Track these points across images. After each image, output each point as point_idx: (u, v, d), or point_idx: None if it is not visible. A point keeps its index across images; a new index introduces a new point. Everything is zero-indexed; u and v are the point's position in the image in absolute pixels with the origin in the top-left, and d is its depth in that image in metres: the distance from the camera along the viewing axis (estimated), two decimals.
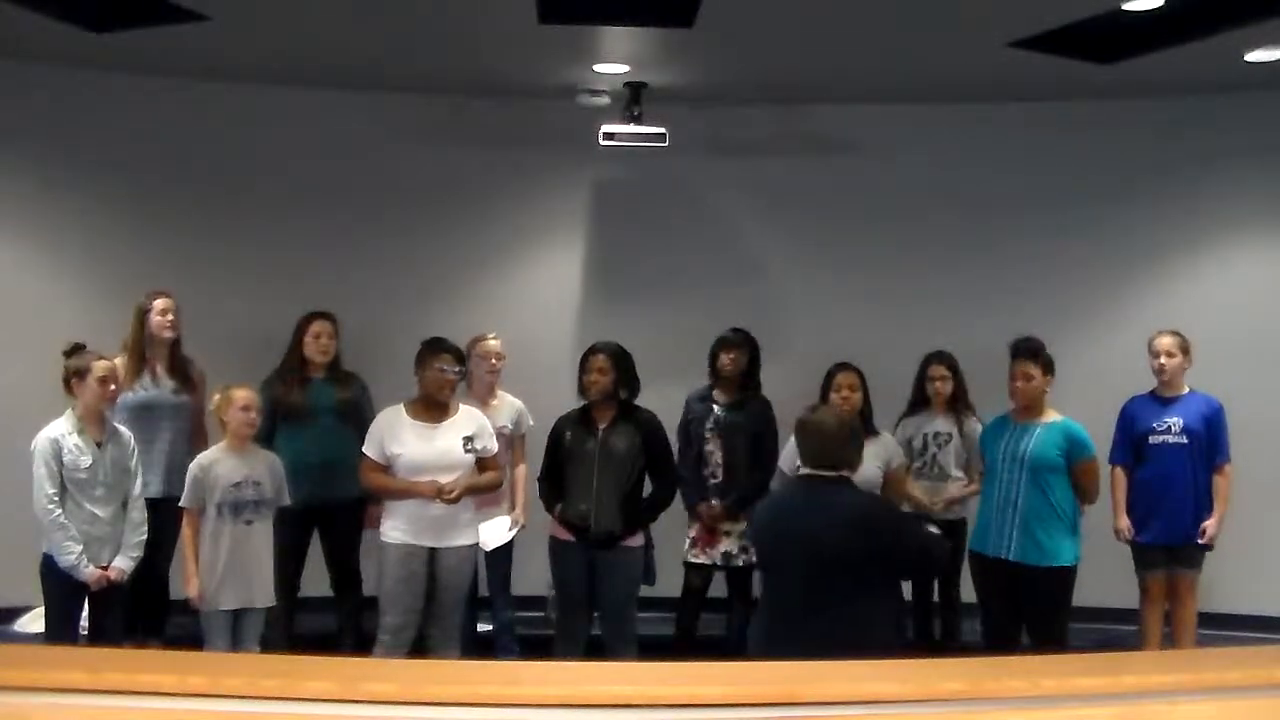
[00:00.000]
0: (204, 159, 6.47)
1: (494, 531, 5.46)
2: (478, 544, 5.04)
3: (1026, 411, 4.99)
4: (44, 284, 6.30)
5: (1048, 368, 4.97)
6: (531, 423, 5.65)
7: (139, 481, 4.77)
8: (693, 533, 5.55)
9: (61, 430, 4.55)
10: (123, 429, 4.78)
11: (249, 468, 4.77)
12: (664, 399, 5.65)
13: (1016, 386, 4.97)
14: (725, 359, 5.60)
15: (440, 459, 4.84)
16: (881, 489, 5.09)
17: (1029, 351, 4.96)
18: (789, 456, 5.24)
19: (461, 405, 5.05)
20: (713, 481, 5.53)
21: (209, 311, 5.89)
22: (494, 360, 5.62)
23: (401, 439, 4.88)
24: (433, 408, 4.93)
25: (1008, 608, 4.96)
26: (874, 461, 5.04)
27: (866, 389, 5.30)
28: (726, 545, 5.53)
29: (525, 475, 5.59)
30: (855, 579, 3.66)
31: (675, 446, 5.44)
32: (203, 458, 4.80)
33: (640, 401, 5.13)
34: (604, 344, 5.05)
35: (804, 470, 3.83)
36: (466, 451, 4.88)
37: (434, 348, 4.93)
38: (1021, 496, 4.88)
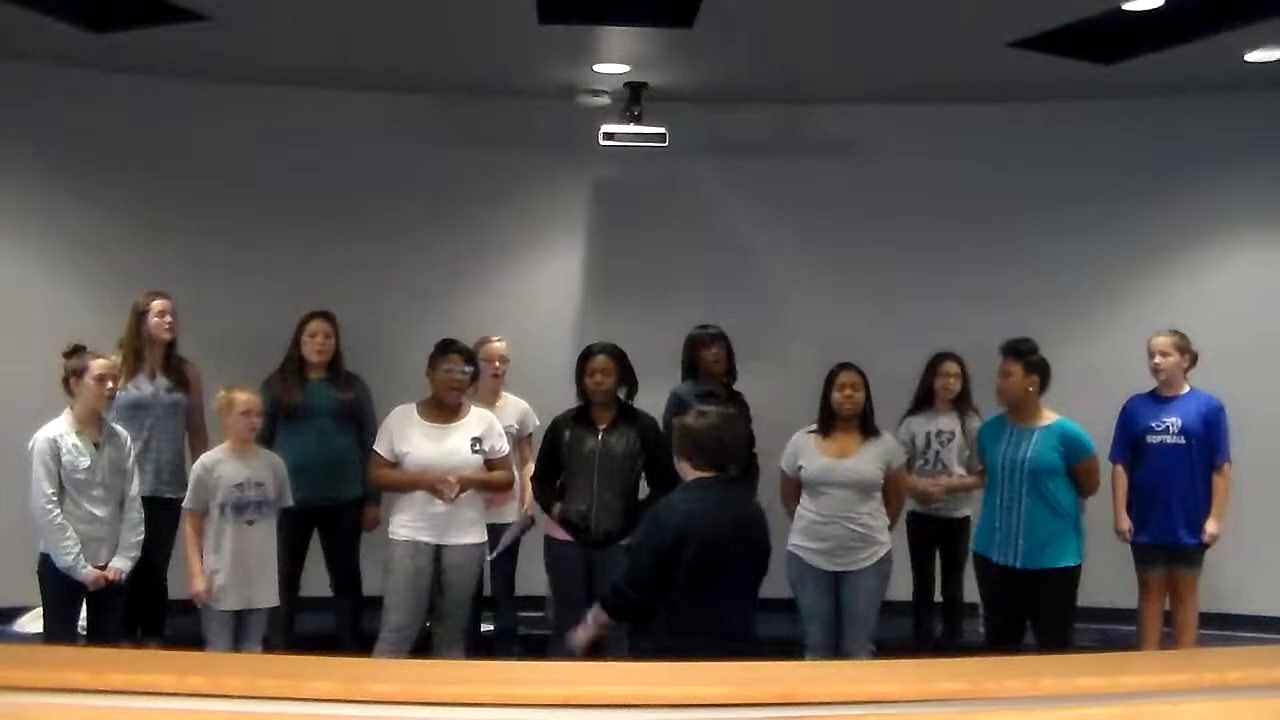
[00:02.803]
0: (204, 159, 6.46)
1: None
2: (484, 543, 5.03)
3: (1022, 413, 4.97)
4: (44, 284, 6.30)
5: (1032, 367, 4.90)
6: (537, 423, 5.63)
7: (136, 482, 4.75)
8: None
9: (59, 430, 4.55)
10: (120, 430, 4.77)
11: (252, 469, 4.76)
12: (664, 399, 5.66)
13: (996, 383, 4.97)
14: (709, 355, 5.59)
15: (446, 460, 4.84)
16: (882, 489, 5.09)
17: (1009, 349, 4.95)
18: (790, 457, 5.24)
19: (473, 407, 5.05)
20: None
21: (209, 311, 5.90)
22: (498, 363, 5.62)
23: (410, 438, 4.89)
24: (443, 409, 4.94)
25: (1011, 609, 4.95)
26: (875, 462, 5.03)
27: (868, 388, 5.30)
28: None
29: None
30: (760, 577, 3.92)
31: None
32: (206, 458, 4.80)
33: (639, 401, 5.13)
34: (602, 345, 5.05)
35: (710, 473, 3.82)
36: (474, 453, 4.88)
37: (443, 349, 4.94)
38: (1024, 503, 4.86)
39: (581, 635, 3.99)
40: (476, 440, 4.90)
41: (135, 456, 4.91)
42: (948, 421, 5.71)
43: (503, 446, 5.01)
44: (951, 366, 5.74)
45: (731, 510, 3.85)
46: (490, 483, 4.97)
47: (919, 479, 5.64)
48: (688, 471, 3.87)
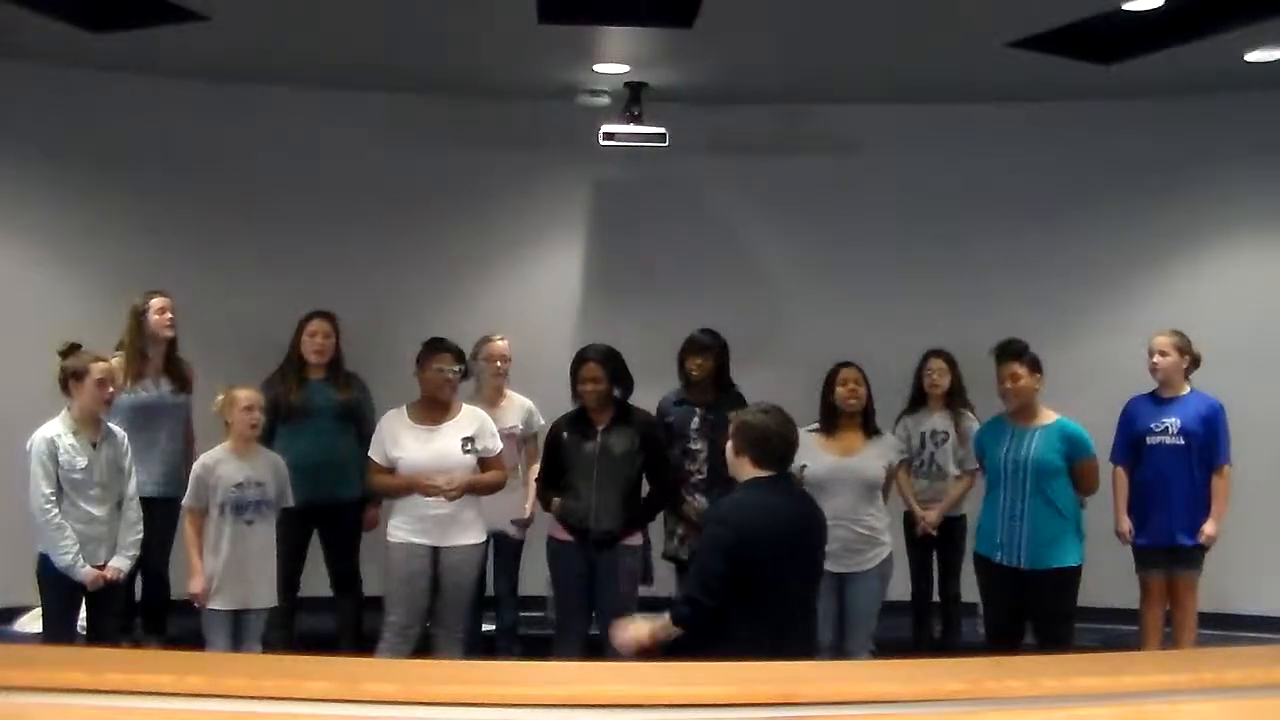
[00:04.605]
0: (204, 159, 6.47)
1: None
2: (483, 543, 5.02)
3: (1022, 414, 4.98)
4: (44, 284, 6.30)
5: (1034, 366, 4.94)
6: (542, 422, 5.60)
7: (133, 481, 4.75)
8: (680, 530, 5.55)
9: (57, 430, 4.54)
10: (117, 429, 4.76)
11: (252, 468, 4.76)
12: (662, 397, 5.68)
13: (1007, 389, 4.95)
14: (692, 364, 5.57)
15: (438, 461, 4.83)
16: (883, 488, 5.10)
17: (1013, 352, 4.95)
18: (818, 458, 5.24)
19: (464, 405, 5.03)
20: (697, 478, 5.53)
21: (209, 311, 5.90)
22: (499, 362, 5.61)
23: (401, 442, 4.88)
24: (433, 409, 4.92)
25: (1012, 609, 4.96)
26: (879, 460, 5.05)
27: (869, 387, 5.31)
28: None
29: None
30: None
31: None
32: (206, 457, 4.80)
33: (639, 401, 5.13)
34: (593, 349, 5.02)
35: (769, 472, 3.72)
36: (465, 453, 4.87)
37: (433, 348, 4.93)
38: (1027, 504, 4.87)
39: (631, 637, 3.78)
40: (468, 440, 4.88)
41: (145, 456, 4.94)
42: (941, 420, 5.71)
43: (495, 445, 4.97)
44: (936, 363, 5.74)
45: (798, 510, 3.78)
46: (482, 484, 4.92)
47: (917, 502, 5.65)
48: (747, 469, 3.75)
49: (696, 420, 5.55)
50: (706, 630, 3.58)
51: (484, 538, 5.01)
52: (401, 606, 4.83)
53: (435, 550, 4.84)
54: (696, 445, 5.55)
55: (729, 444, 3.82)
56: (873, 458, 5.03)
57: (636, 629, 3.79)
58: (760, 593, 3.58)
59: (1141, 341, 5.46)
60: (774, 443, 3.73)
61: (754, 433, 3.74)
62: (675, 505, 5.48)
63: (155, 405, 5.25)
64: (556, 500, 4.98)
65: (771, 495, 3.70)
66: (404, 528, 4.86)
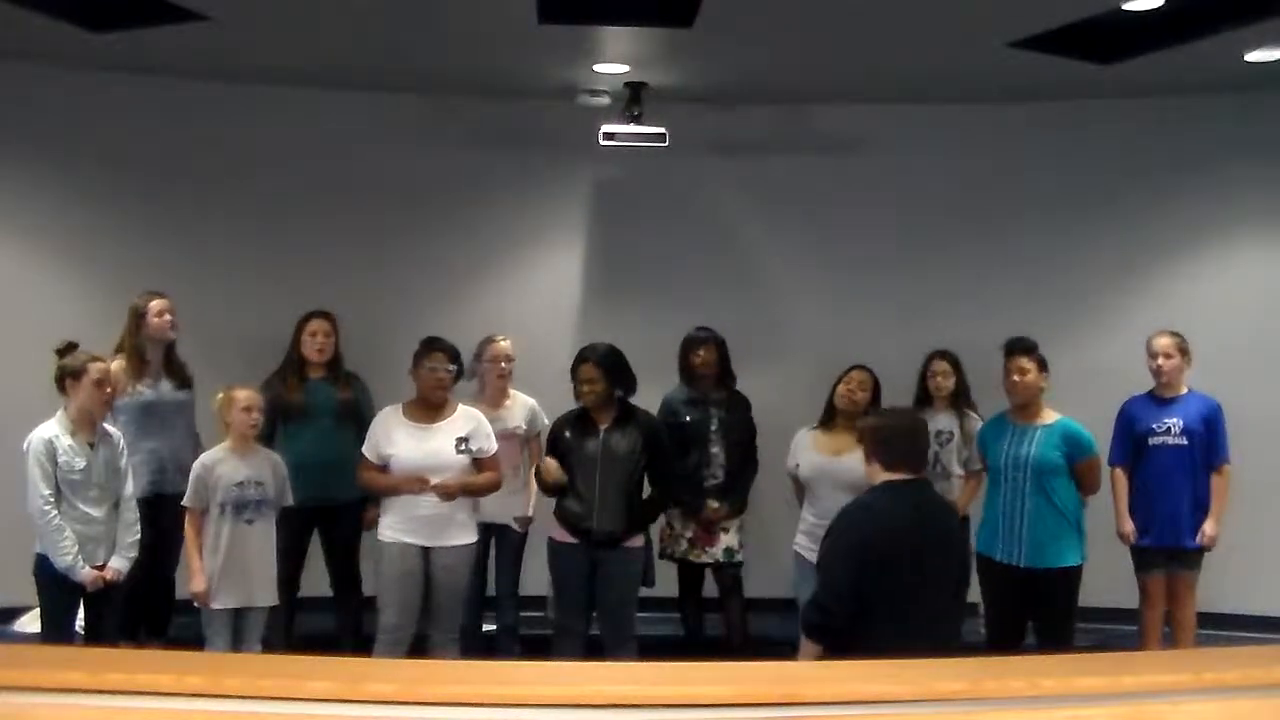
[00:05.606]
0: (204, 159, 6.46)
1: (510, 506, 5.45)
2: (475, 543, 5.01)
3: (1025, 412, 4.99)
4: (43, 284, 6.29)
5: (1042, 365, 4.97)
6: (546, 422, 5.59)
7: (130, 482, 4.74)
8: (689, 533, 5.56)
9: (54, 431, 4.53)
10: (113, 430, 4.76)
11: (252, 468, 4.77)
12: (661, 398, 5.67)
13: (1014, 382, 4.97)
14: (696, 358, 5.61)
15: (431, 460, 4.82)
16: None
17: (1022, 348, 4.97)
18: (791, 455, 5.24)
19: (460, 405, 5.02)
20: (712, 483, 5.54)
21: (209, 311, 5.90)
22: (503, 363, 5.61)
23: (394, 440, 4.87)
24: (428, 408, 4.91)
25: (1013, 609, 4.96)
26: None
27: (878, 391, 5.30)
28: (727, 541, 5.56)
29: None
30: (956, 580, 3.76)
31: None
32: (206, 457, 4.80)
33: (639, 401, 5.12)
34: (591, 350, 5.01)
35: (901, 475, 3.67)
36: (459, 453, 4.85)
37: (428, 347, 4.92)
38: (1027, 502, 4.88)
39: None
40: (461, 440, 4.86)
41: (151, 455, 4.95)
42: (946, 421, 5.70)
43: (490, 446, 4.95)
44: (940, 365, 5.74)
45: (926, 514, 3.69)
46: (476, 486, 4.90)
47: None
48: (879, 474, 3.71)
49: (715, 423, 5.57)
50: (840, 635, 3.53)
51: (476, 537, 4.99)
52: (393, 606, 4.81)
53: (427, 551, 4.83)
54: (715, 449, 5.56)
55: (863, 452, 3.81)
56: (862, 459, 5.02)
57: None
58: (887, 596, 3.51)
59: (1141, 341, 5.46)
60: (898, 443, 3.70)
61: (878, 435, 3.73)
62: (695, 509, 5.48)
63: (159, 404, 5.24)
64: (553, 469, 4.95)
65: (898, 497, 3.64)
66: (395, 527, 4.84)
